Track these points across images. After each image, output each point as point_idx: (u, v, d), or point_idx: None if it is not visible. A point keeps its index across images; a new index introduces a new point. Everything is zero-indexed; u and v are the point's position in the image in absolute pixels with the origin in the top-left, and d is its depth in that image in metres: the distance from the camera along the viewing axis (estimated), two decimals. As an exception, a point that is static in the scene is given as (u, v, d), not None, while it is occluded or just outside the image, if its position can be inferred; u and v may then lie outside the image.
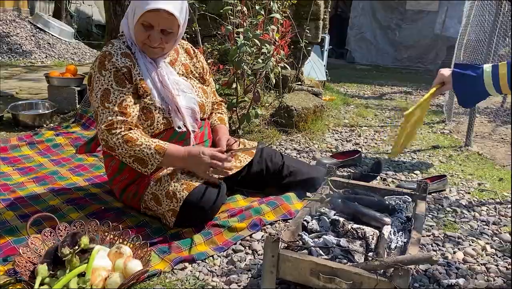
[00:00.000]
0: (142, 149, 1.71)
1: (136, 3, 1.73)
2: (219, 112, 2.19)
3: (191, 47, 2.09)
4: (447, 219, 2.14)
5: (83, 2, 9.58)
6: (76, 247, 1.42)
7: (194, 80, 2.01)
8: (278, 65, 3.04)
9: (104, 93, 1.74)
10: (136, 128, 1.76)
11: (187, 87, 1.90)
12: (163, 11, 1.69)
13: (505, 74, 1.42)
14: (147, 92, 1.81)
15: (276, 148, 3.03)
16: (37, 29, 7.40)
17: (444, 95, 4.74)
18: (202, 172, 1.79)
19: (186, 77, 1.97)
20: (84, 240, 1.45)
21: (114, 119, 1.72)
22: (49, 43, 7.22)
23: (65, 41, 7.54)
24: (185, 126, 1.86)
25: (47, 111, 3.35)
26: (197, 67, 2.05)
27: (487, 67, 1.48)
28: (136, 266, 1.42)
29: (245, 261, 1.67)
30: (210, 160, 1.75)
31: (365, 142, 3.43)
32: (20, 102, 3.42)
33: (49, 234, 1.58)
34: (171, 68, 1.90)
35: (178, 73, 1.93)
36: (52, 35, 7.45)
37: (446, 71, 1.60)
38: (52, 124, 3.26)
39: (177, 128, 1.84)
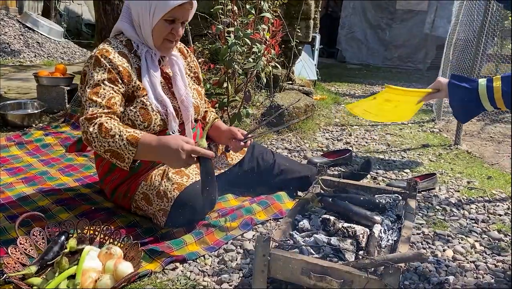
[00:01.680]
0: (115, 140, 1.58)
1: (156, 3, 1.71)
2: (212, 111, 2.18)
3: (184, 46, 2.08)
4: (437, 217, 2.16)
5: (72, 1, 9.48)
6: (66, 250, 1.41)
7: (189, 81, 1.99)
8: (269, 65, 3.04)
9: (94, 87, 1.68)
10: (116, 119, 1.68)
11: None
12: (187, 3, 1.74)
13: (499, 87, 1.43)
14: (145, 93, 1.77)
15: (268, 147, 3.03)
16: (26, 28, 7.31)
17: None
18: (175, 167, 1.70)
19: None
20: (71, 243, 1.44)
21: (97, 110, 1.65)
22: (38, 42, 7.14)
23: (54, 40, 7.46)
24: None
25: (36, 111, 3.31)
26: (191, 67, 2.05)
27: (482, 80, 1.49)
28: (127, 268, 1.40)
29: (236, 260, 1.67)
30: (187, 158, 1.54)
31: (356, 142, 3.45)
32: (8, 102, 3.38)
33: (39, 233, 1.57)
34: (181, 60, 1.92)
35: None
36: (41, 34, 7.36)
37: (443, 80, 1.62)
38: (41, 124, 3.23)
39: (171, 132, 1.80)
